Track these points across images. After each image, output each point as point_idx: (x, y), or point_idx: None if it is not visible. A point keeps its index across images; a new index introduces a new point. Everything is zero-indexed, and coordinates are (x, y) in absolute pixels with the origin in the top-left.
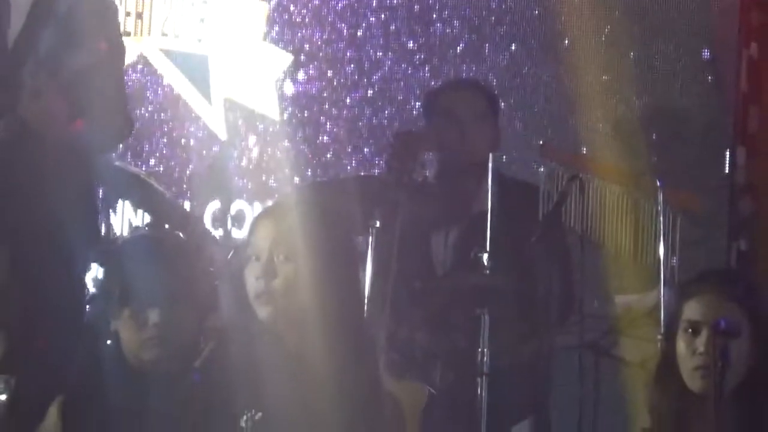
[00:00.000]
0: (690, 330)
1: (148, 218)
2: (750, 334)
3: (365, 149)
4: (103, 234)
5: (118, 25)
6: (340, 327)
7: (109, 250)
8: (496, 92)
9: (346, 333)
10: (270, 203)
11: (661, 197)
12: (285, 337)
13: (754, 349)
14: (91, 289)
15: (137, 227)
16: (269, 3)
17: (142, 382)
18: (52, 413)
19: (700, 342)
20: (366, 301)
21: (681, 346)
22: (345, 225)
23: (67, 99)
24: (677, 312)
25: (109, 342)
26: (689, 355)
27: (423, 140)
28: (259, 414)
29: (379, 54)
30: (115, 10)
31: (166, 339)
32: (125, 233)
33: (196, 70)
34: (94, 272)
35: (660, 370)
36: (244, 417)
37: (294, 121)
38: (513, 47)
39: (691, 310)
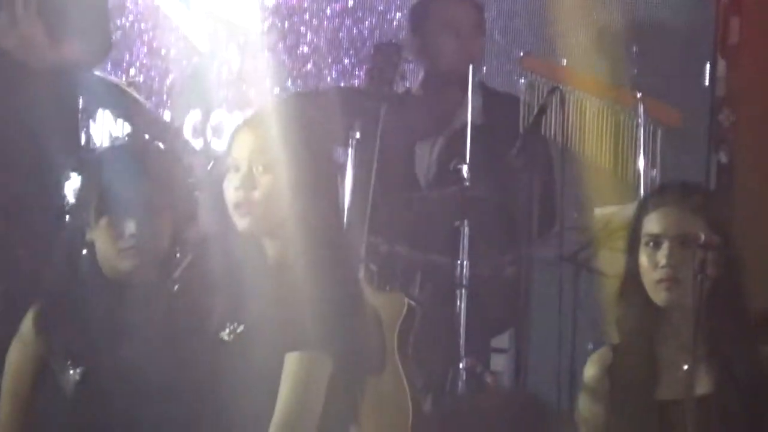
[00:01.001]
0: (651, 243)
1: (128, 128)
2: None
3: (346, 60)
4: (82, 143)
5: None
6: (318, 237)
7: (88, 159)
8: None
9: (324, 243)
10: (250, 114)
11: (641, 109)
12: (265, 247)
13: (717, 260)
14: (70, 198)
15: (117, 137)
16: None
17: (118, 292)
18: (27, 322)
19: (662, 255)
20: (346, 212)
21: (643, 259)
22: (325, 136)
23: (46, 23)
24: (638, 227)
25: (84, 252)
26: (651, 268)
27: (404, 51)
28: (242, 326)
29: None
30: None
31: (143, 249)
32: (105, 143)
33: None
34: (73, 182)
35: (624, 285)
36: (227, 330)
37: (274, 31)
38: None
39: (651, 224)
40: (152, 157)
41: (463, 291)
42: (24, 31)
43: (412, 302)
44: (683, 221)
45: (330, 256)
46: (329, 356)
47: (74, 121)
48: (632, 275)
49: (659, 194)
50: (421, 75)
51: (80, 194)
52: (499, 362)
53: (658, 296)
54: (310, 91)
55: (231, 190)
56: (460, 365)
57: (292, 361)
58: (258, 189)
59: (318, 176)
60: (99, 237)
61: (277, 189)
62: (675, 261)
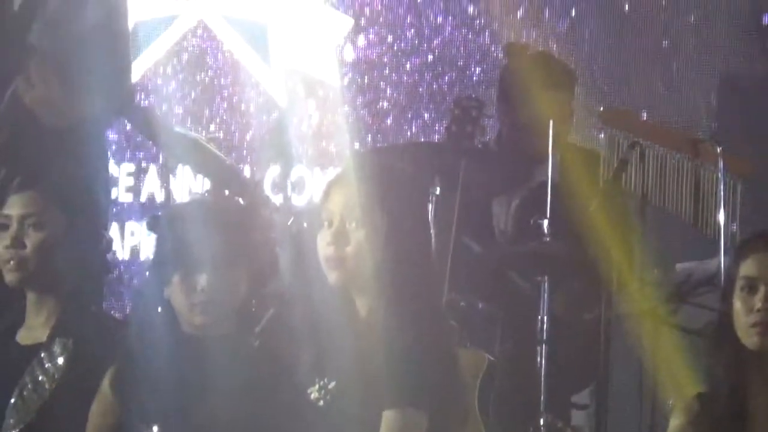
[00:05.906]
0: (747, 288)
1: (207, 184)
2: None
3: (425, 115)
4: (163, 199)
5: None
6: (411, 292)
7: (164, 216)
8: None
9: (417, 297)
10: (332, 169)
11: (721, 163)
12: (355, 301)
13: None
14: (149, 255)
15: (196, 193)
16: None
17: (197, 348)
18: (106, 381)
19: (758, 299)
20: None
21: (737, 304)
22: (416, 191)
23: (63, 84)
24: (734, 272)
25: (160, 309)
26: (746, 312)
27: (484, 106)
28: (333, 382)
29: (440, 19)
30: None
31: (215, 304)
32: (185, 198)
33: (256, 36)
34: (151, 239)
35: (717, 332)
36: (316, 386)
37: (354, 86)
38: (573, 12)
39: (748, 268)
40: (230, 212)
41: (544, 347)
42: (40, 91)
43: (492, 358)
44: None
45: (423, 311)
46: (426, 412)
47: (104, 176)
48: (725, 321)
49: (756, 240)
50: (500, 129)
51: (158, 251)
52: (580, 418)
53: (751, 341)
54: (390, 146)
55: (323, 245)
56: (541, 421)
57: (392, 419)
58: (350, 245)
59: (411, 231)
60: (174, 293)
61: (370, 244)
62: None
